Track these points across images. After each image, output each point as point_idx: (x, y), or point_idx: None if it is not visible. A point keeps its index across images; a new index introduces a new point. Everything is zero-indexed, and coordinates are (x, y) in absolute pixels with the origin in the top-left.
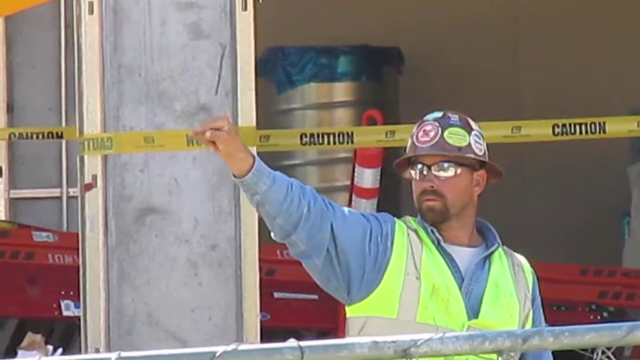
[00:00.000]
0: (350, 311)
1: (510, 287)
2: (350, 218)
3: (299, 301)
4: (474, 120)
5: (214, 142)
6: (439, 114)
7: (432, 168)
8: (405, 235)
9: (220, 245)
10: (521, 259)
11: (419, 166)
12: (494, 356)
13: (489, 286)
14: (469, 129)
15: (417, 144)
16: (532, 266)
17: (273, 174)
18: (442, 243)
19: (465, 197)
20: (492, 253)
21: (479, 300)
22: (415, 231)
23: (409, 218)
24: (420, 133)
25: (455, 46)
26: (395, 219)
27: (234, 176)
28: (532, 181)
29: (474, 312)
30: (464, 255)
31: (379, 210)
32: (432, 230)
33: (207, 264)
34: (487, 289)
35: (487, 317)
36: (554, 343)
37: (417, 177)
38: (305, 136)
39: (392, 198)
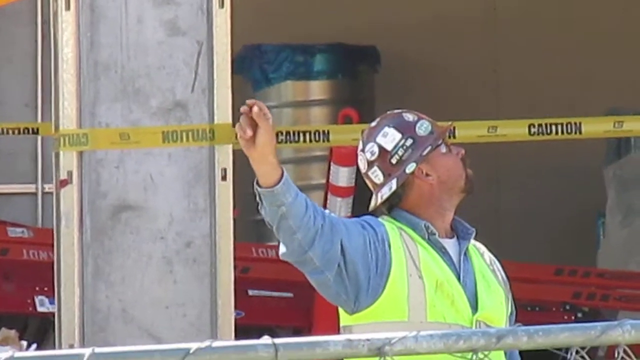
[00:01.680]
0: (354, 319)
1: (490, 274)
2: (351, 228)
3: (274, 299)
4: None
5: (252, 139)
6: (397, 112)
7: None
8: (398, 235)
9: (195, 243)
10: (478, 244)
11: (440, 143)
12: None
13: (477, 276)
14: None
15: (434, 127)
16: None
17: (295, 187)
18: (433, 237)
19: None
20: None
21: (473, 292)
22: (401, 229)
23: (386, 217)
24: (420, 123)
25: (432, 45)
26: (381, 220)
27: (260, 186)
28: (507, 181)
29: (472, 305)
30: (450, 247)
31: (354, 210)
32: (425, 225)
33: (182, 261)
34: (478, 280)
35: (487, 309)
36: (528, 342)
37: (445, 150)
38: (281, 134)
39: (368, 197)
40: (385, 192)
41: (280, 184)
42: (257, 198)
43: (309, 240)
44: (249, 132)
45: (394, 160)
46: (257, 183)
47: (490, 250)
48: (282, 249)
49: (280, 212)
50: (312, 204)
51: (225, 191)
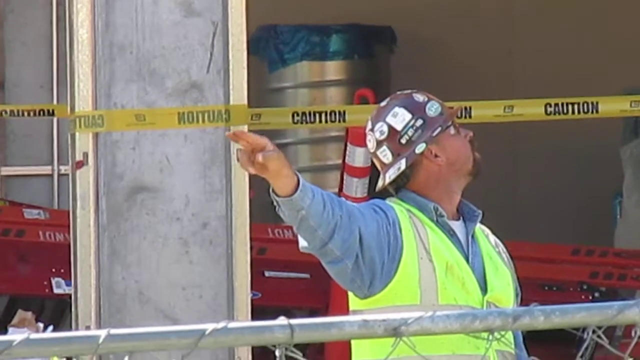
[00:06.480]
0: (365, 304)
1: (496, 256)
2: (365, 213)
3: (290, 280)
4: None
5: (261, 165)
6: (407, 92)
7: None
8: (407, 218)
9: (211, 224)
10: (482, 226)
11: (450, 124)
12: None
13: (485, 258)
14: None
15: (444, 108)
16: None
17: (310, 185)
18: (441, 219)
19: None
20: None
21: (482, 274)
22: (410, 211)
23: (394, 199)
24: (430, 104)
25: (447, 25)
26: (390, 203)
27: (278, 195)
28: (524, 161)
29: (481, 286)
30: (458, 229)
31: (370, 190)
32: (434, 207)
33: (198, 242)
34: (485, 262)
35: (496, 290)
36: (545, 322)
37: (454, 132)
38: (297, 115)
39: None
40: (393, 172)
41: (297, 192)
42: (275, 203)
43: (329, 233)
44: (256, 171)
45: (403, 140)
46: (274, 192)
47: (505, 231)
48: (303, 243)
49: (300, 216)
50: (328, 197)
51: (241, 172)
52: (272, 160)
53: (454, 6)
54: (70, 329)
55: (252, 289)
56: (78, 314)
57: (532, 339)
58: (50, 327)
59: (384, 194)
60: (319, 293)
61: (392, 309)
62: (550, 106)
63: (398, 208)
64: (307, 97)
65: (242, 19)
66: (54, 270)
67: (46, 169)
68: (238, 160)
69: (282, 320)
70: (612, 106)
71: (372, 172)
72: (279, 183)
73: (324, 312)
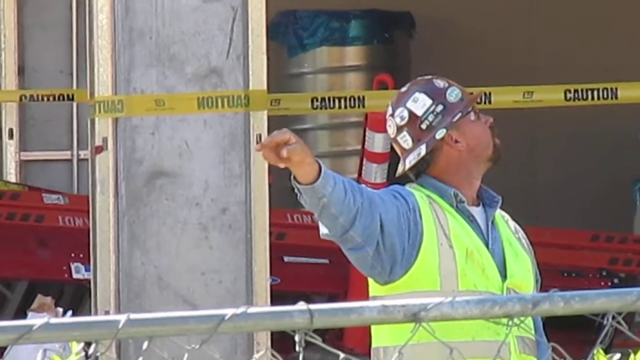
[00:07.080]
0: (385, 290)
1: (516, 242)
2: (386, 200)
3: (310, 265)
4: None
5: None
6: (427, 78)
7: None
8: (427, 204)
9: (230, 209)
10: (502, 212)
11: (470, 110)
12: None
13: (505, 244)
14: None
15: (464, 94)
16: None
17: (331, 173)
18: (461, 205)
19: None
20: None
21: (502, 260)
22: (429, 197)
23: (414, 185)
24: (450, 90)
25: (466, 10)
26: (410, 189)
27: (300, 183)
28: (544, 147)
29: (501, 272)
30: (478, 215)
31: (389, 176)
32: (454, 193)
33: (218, 227)
34: (505, 248)
35: (516, 276)
36: (565, 308)
37: (474, 118)
38: (316, 100)
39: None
40: (413, 158)
41: (319, 179)
42: (296, 191)
43: (351, 220)
44: (281, 164)
45: (423, 126)
46: (295, 179)
47: (525, 217)
48: (324, 230)
49: (321, 203)
50: (349, 184)
51: (260, 157)
52: (296, 153)
53: None
54: (89, 313)
55: (271, 274)
56: (97, 299)
57: (551, 325)
58: (70, 312)
59: (403, 179)
60: (338, 278)
61: (412, 295)
62: (570, 92)
63: (418, 194)
64: (326, 82)
65: (262, 4)
66: (73, 255)
67: (65, 154)
68: (258, 143)
69: (301, 305)
70: (632, 92)
71: (392, 158)
72: (301, 171)
73: (343, 298)
